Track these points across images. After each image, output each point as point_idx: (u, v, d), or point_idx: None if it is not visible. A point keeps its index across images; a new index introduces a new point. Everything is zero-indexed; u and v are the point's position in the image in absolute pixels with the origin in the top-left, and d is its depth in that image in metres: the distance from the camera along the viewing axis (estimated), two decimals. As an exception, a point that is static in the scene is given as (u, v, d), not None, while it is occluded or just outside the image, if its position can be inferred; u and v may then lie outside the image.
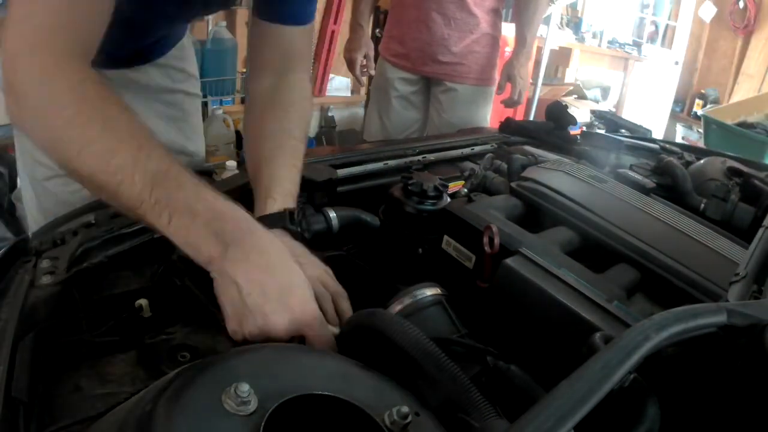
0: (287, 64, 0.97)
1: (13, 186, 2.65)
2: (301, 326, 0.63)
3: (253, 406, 0.44)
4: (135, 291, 0.79)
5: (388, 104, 2.16)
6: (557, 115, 1.54)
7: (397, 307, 0.73)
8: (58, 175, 1.07)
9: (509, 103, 2.18)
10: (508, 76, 2.13)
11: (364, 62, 2.14)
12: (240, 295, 0.62)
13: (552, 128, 1.53)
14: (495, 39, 2.10)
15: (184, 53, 1.27)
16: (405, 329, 0.61)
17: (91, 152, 0.64)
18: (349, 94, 4.10)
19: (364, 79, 2.22)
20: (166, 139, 1.22)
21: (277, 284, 0.63)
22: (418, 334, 0.60)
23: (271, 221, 0.80)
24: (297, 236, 0.82)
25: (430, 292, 0.75)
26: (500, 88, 2.18)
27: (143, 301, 0.77)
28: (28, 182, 1.15)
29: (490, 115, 2.21)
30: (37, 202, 1.15)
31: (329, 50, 3.76)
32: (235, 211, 0.67)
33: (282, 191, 0.85)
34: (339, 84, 3.99)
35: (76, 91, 0.66)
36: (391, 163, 1.24)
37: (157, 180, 0.64)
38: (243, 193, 1.00)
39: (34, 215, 1.18)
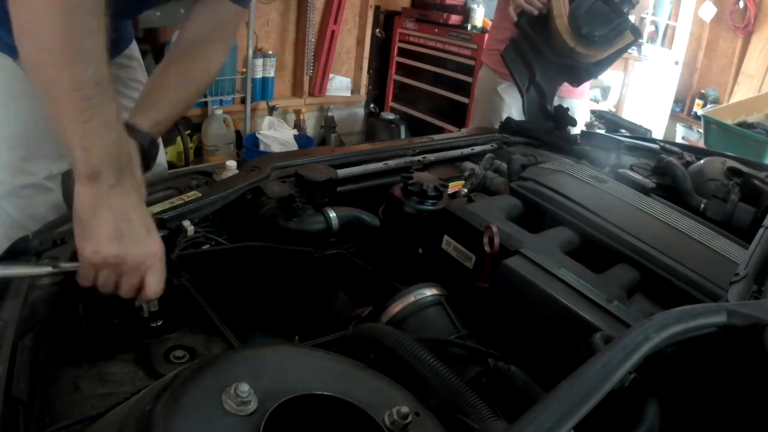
0: (215, 34, 1.05)
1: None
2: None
3: (253, 406, 0.44)
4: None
5: (497, 115, 2.18)
6: (557, 116, 1.54)
7: (396, 308, 0.73)
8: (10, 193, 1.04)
9: None
10: None
11: None
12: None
13: (552, 128, 1.53)
14: None
15: (133, 63, 1.25)
16: (403, 342, 0.62)
17: (73, 21, 0.66)
18: (349, 94, 4.11)
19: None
20: None
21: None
22: (415, 345, 0.61)
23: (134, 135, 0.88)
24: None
25: (429, 292, 0.75)
26: None
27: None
28: None
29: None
30: None
31: (329, 50, 3.76)
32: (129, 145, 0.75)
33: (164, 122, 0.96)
34: (339, 84, 3.99)
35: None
36: (391, 163, 1.24)
37: (101, 85, 0.68)
38: (241, 199, 1.00)
39: None
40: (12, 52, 0.89)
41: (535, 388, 0.66)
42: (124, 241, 0.68)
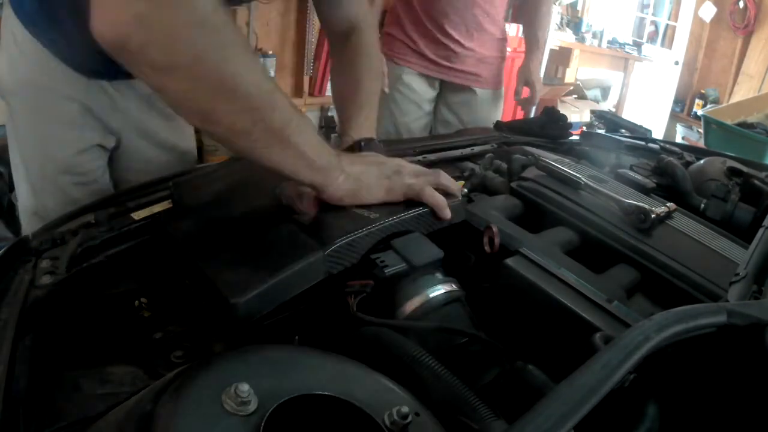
0: (354, 28, 1.13)
1: (13, 186, 2.65)
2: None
3: (253, 406, 0.44)
4: (135, 291, 0.79)
5: (402, 107, 2.10)
6: (553, 115, 1.55)
7: (410, 307, 0.69)
8: (66, 171, 1.14)
9: (525, 103, 2.16)
10: (525, 80, 2.12)
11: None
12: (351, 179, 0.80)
13: (545, 122, 1.54)
14: (504, 43, 2.10)
15: None
16: (403, 345, 0.61)
17: (251, 77, 0.69)
18: (348, 94, 4.10)
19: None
20: (162, 137, 1.26)
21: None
22: (415, 348, 0.61)
23: (365, 144, 1.00)
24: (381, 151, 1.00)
25: (444, 288, 0.70)
26: (517, 93, 2.16)
27: (143, 301, 0.77)
28: (30, 181, 1.17)
29: (500, 117, 2.22)
30: (35, 202, 1.18)
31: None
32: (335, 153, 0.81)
33: (368, 125, 1.06)
34: (339, 84, 3.98)
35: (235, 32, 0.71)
36: (391, 163, 1.23)
37: (294, 108, 0.75)
38: (242, 185, 1.00)
39: (28, 216, 1.21)
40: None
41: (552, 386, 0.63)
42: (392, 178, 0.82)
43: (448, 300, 0.70)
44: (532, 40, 2.12)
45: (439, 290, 0.70)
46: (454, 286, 0.72)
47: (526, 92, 2.18)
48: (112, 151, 1.23)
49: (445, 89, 2.12)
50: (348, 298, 0.70)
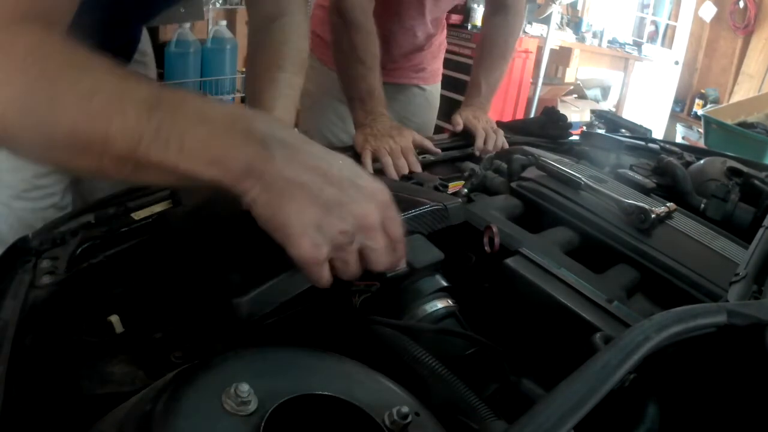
0: (278, 8, 0.99)
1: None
2: (384, 208, 0.55)
3: (253, 406, 0.44)
4: (135, 291, 0.79)
5: (342, 116, 1.72)
6: (552, 115, 1.55)
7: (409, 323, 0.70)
8: (20, 197, 1.08)
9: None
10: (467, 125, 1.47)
11: None
12: (310, 195, 0.51)
13: (545, 122, 1.54)
14: (435, 36, 1.89)
15: (146, 60, 1.25)
16: (403, 344, 0.62)
17: (66, 102, 0.51)
18: (349, 94, 4.09)
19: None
20: None
21: (343, 171, 0.53)
22: (416, 348, 0.61)
23: None
24: None
25: (441, 304, 0.71)
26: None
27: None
28: None
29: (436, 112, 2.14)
30: None
31: (329, 50, 3.75)
32: (253, 110, 0.61)
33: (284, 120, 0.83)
34: (339, 84, 3.97)
35: (38, 51, 0.52)
36: (391, 163, 1.23)
37: (152, 104, 0.51)
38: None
39: None
40: None
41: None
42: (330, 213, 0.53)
43: (445, 315, 0.71)
44: (474, 84, 1.61)
45: (434, 306, 0.71)
46: (450, 302, 0.72)
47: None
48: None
49: (389, 91, 1.66)
50: (353, 297, 0.70)
